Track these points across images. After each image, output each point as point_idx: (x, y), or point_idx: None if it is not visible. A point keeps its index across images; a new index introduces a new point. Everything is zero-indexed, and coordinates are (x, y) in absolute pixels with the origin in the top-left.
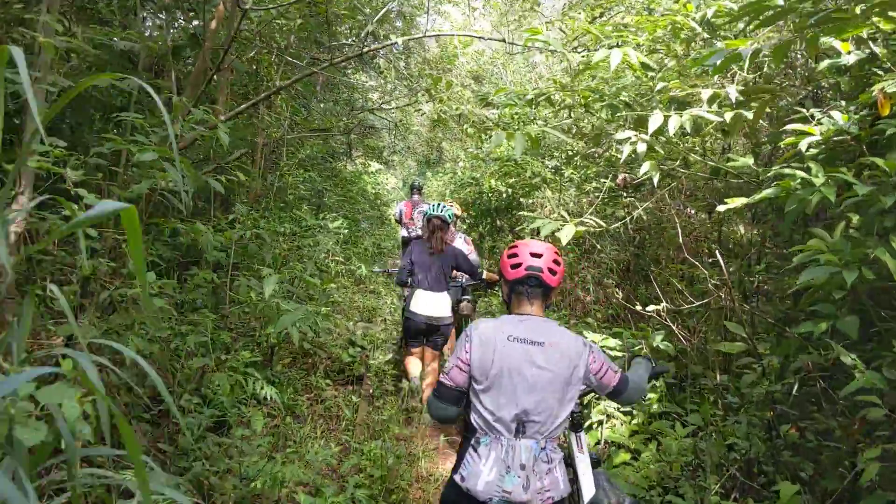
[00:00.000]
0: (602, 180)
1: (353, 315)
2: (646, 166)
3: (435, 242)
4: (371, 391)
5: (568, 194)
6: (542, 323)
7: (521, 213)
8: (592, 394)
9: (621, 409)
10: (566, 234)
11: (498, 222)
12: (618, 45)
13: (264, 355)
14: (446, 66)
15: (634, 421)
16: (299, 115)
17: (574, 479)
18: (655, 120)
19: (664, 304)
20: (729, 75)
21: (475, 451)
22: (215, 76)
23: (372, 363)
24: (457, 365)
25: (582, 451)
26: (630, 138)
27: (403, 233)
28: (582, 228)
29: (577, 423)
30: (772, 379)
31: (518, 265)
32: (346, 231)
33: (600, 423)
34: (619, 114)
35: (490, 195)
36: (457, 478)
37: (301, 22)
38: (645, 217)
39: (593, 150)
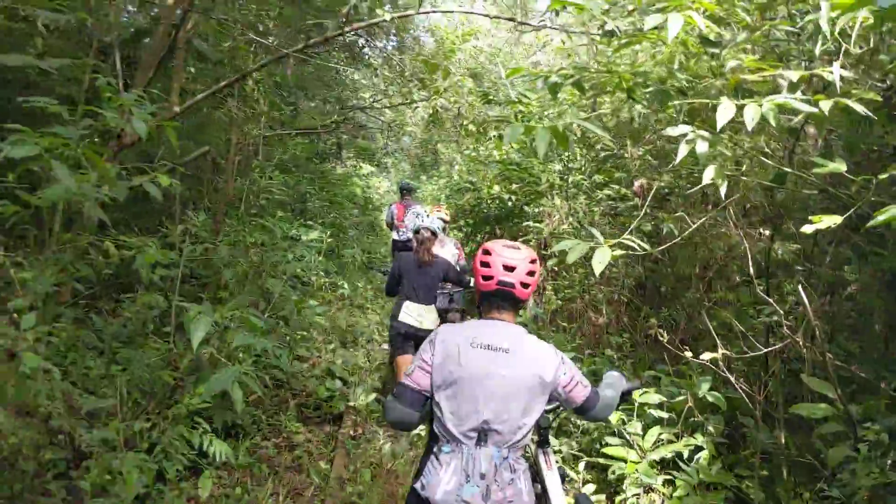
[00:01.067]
0: (615, 187)
1: (334, 338)
2: (709, 172)
3: (423, 254)
4: (352, 434)
5: (578, 202)
6: (510, 329)
7: (525, 223)
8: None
9: (662, 477)
10: (600, 260)
11: (498, 231)
12: (676, 9)
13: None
14: (442, 61)
15: (677, 493)
16: (281, 111)
17: (543, 496)
18: (726, 111)
19: (721, 351)
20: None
21: (437, 459)
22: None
23: (353, 402)
24: (419, 366)
25: (550, 467)
26: (687, 135)
27: (395, 236)
28: (619, 252)
29: (544, 438)
30: (877, 461)
31: (490, 277)
32: (323, 243)
33: (637, 497)
34: (673, 102)
35: (490, 202)
36: (417, 486)
37: (282, 7)
38: (676, 231)
39: (620, 150)
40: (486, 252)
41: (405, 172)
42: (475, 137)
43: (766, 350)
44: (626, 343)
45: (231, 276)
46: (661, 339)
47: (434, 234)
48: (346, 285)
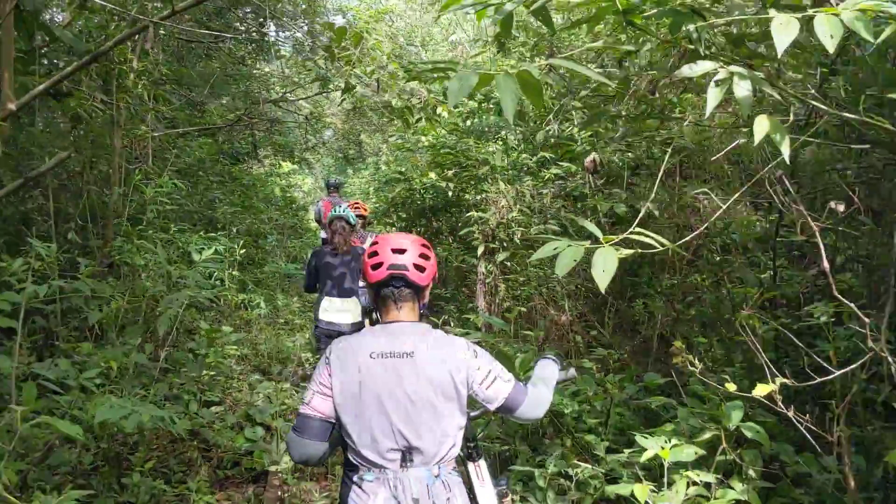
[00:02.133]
0: (564, 164)
1: (255, 366)
2: (762, 126)
3: (340, 242)
4: (280, 497)
5: (524, 185)
6: (411, 329)
7: (469, 213)
8: None
9: None
10: (606, 267)
11: (435, 224)
12: None
13: (110, 458)
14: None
15: None
16: (173, 107)
17: None
18: (786, 27)
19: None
20: None
21: (360, 489)
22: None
23: (278, 456)
24: (318, 391)
25: (483, 483)
26: (716, 72)
27: (324, 235)
28: (627, 252)
29: (474, 450)
30: None
31: (379, 265)
32: (229, 256)
33: None
34: (689, 27)
35: (423, 192)
36: None
37: None
38: (657, 212)
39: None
40: (374, 244)
41: (329, 167)
42: (404, 119)
43: (840, 371)
44: (599, 344)
45: (99, 317)
46: (692, 369)
47: (349, 223)
48: (262, 304)
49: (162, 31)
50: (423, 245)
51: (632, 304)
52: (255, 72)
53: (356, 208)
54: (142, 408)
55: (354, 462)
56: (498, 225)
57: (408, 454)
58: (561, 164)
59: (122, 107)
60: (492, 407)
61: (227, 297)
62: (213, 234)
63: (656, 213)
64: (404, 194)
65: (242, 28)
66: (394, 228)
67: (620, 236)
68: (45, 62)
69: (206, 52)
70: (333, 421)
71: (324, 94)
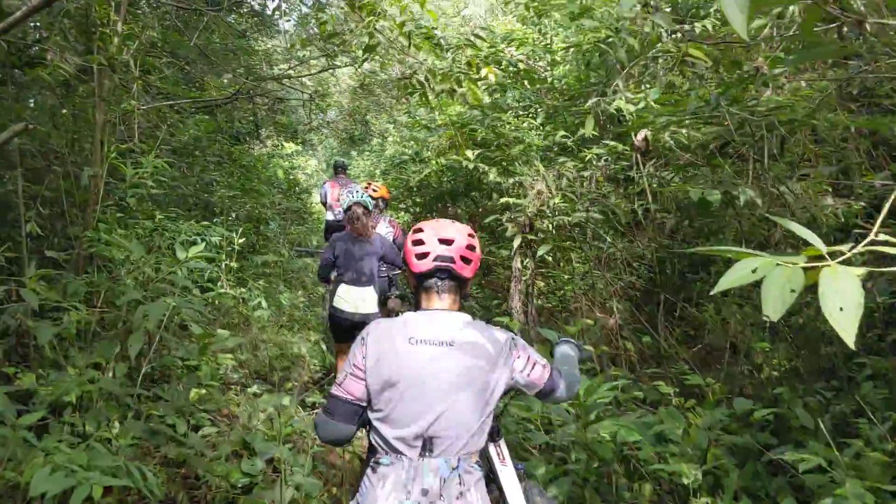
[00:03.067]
0: (609, 143)
1: (252, 374)
2: None
3: (360, 228)
4: None
5: (565, 167)
6: (453, 318)
7: (502, 200)
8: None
9: None
10: (842, 297)
11: (456, 211)
12: None
13: None
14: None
15: None
16: (164, 78)
17: (500, 498)
18: None
19: None
20: None
21: (373, 473)
22: None
23: (284, 497)
24: (351, 373)
25: (504, 462)
26: None
27: (329, 216)
28: (862, 271)
29: (495, 431)
30: None
31: (424, 255)
32: (226, 247)
33: None
34: None
35: (440, 174)
36: None
37: None
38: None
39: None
40: (418, 230)
41: (333, 149)
42: (422, 93)
43: None
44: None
45: (53, 333)
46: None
47: (366, 208)
48: (263, 303)
49: None
50: (470, 235)
51: (687, 304)
52: (257, 47)
53: (372, 190)
54: (96, 472)
55: (375, 444)
56: (536, 213)
57: (429, 443)
58: (607, 142)
59: (104, 75)
60: (531, 392)
61: (222, 296)
62: (207, 223)
63: (759, 202)
64: (419, 177)
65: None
66: (408, 215)
67: (859, 248)
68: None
69: (205, 24)
70: (364, 404)
71: (329, 72)
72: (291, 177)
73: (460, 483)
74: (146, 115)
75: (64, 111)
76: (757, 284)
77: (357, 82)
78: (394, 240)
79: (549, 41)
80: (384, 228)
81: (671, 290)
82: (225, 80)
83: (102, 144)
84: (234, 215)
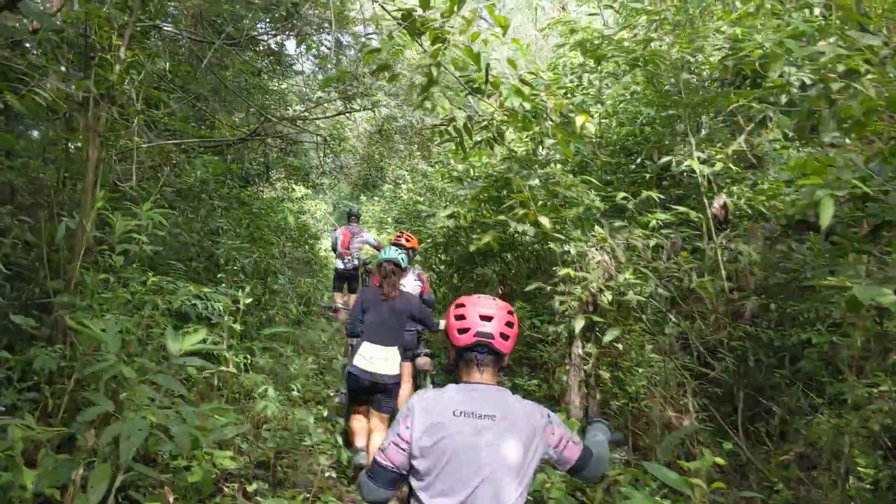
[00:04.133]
0: (677, 209)
1: (253, 465)
2: None
3: (387, 288)
4: None
5: (633, 235)
6: (494, 393)
7: (562, 271)
8: None
9: None
10: None
11: (481, 271)
12: None
13: None
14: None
15: None
16: (170, 111)
17: None
18: None
19: None
20: None
21: None
22: None
23: None
24: (395, 442)
25: None
26: None
27: (339, 265)
28: None
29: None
30: None
31: (465, 330)
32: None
33: None
34: None
35: (470, 232)
36: None
37: None
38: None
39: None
40: (460, 305)
41: (343, 193)
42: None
43: None
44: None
45: None
46: None
47: (399, 266)
48: (270, 391)
49: (167, 29)
50: (510, 313)
51: (776, 397)
52: (272, 86)
53: (399, 239)
54: None
55: None
56: (604, 288)
57: None
58: (673, 207)
59: (101, 107)
60: (562, 468)
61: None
62: (209, 280)
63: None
64: (445, 233)
65: (259, 35)
66: (432, 274)
67: None
68: None
69: (219, 60)
70: (404, 472)
71: (346, 115)
72: (301, 222)
73: None
74: (149, 153)
75: (55, 145)
76: None
77: (374, 127)
78: (421, 294)
79: (598, 91)
80: (412, 282)
81: (753, 385)
82: (237, 120)
83: (95, 186)
84: (240, 266)
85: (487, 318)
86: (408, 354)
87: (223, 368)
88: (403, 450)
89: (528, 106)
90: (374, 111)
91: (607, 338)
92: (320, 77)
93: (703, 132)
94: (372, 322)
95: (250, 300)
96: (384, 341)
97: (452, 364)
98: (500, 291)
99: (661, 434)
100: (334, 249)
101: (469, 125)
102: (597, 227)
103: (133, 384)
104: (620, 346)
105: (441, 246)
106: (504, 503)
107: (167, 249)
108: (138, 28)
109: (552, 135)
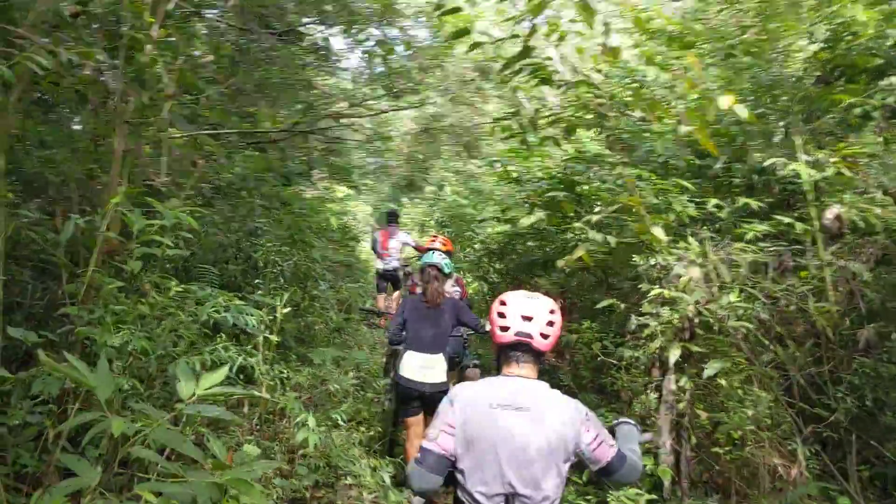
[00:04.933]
0: (781, 219)
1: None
2: None
3: (430, 295)
4: None
5: (735, 250)
6: (531, 386)
7: (654, 291)
8: None
9: None
10: None
11: (538, 282)
12: None
13: None
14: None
15: None
16: (222, 115)
17: None
18: None
19: None
20: None
21: None
22: None
23: None
24: (443, 430)
25: None
26: None
27: (379, 265)
28: None
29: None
30: None
31: (506, 329)
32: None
33: None
34: None
35: (529, 238)
36: None
37: None
38: None
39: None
40: (503, 302)
41: (384, 195)
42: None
43: None
44: None
45: None
46: None
47: (441, 271)
48: (311, 421)
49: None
50: (552, 311)
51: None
52: (318, 81)
53: (434, 242)
54: None
55: (461, 498)
56: (699, 313)
57: (511, 499)
58: (776, 216)
59: (129, 91)
60: (594, 468)
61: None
62: (242, 287)
63: None
64: (500, 239)
65: (305, 27)
66: (482, 283)
67: None
68: None
69: (265, 54)
70: (452, 458)
71: (392, 113)
72: (342, 223)
73: None
74: (186, 147)
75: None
76: None
77: (420, 126)
78: (460, 299)
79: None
80: (450, 287)
81: (870, 428)
82: (280, 116)
83: (121, 179)
84: (279, 271)
85: (528, 319)
86: (454, 363)
87: (255, 392)
88: (452, 435)
89: (663, 77)
90: (420, 108)
91: (709, 371)
92: (367, 74)
93: (803, 132)
94: (416, 330)
95: (288, 309)
96: (429, 349)
97: (495, 356)
98: (559, 305)
99: (769, 487)
100: (374, 250)
101: (535, 118)
102: (690, 239)
103: (129, 440)
104: (724, 382)
105: (495, 254)
106: (543, 493)
107: (202, 252)
108: (177, 12)
109: (681, 122)
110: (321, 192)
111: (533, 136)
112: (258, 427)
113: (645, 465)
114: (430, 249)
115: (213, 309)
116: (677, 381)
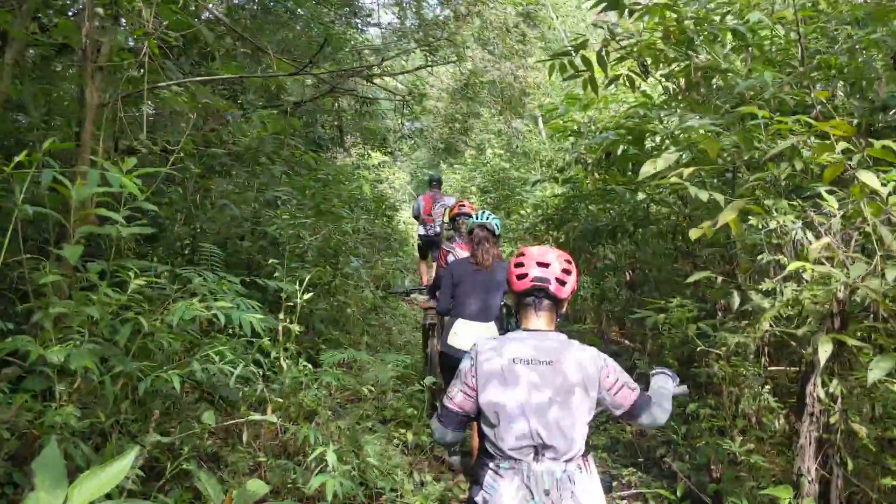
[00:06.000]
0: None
1: None
2: None
3: (481, 256)
4: None
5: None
6: (553, 338)
7: (791, 265)
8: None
9: None
10: None
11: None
12: None
13: None
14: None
15: None
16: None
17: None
18: None
19: None
20: None
21: (496, 474)
22: None
23: None
24: (462, 390)
25: (591, 475)
26: None
27: (421, 230)
28: None
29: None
30: None
31: (524, 276)
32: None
33: None
34: None
35: (589, 201)
36: (478, 499)
37: None
38: None
39: None
40: (521, 254)
41: (422, 161)
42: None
43: None
44: None
45: None
46: None
47: (492, 234)
48: (331, 459)
49: None
50: (567, 261)
51: None
52: (347, 37)
53: (462, 207)
54: None
55: (491, 451)
56: (851, 292)
57: (540, 450)
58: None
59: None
60: (617, 412)
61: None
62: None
63: None
64: (560, 204)
65: None
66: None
67: None
68: None
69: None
70: (472, 416)
71: (428, 70)
72: (378, 192)
73: (571, 482)
74: (184, 102)
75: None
76: None
77: (458, 82)
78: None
79: None
80: None
81: None
82: (308, 82)
83: (95, 141)
84: (303, 246)
85: (545, 265)
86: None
87: (257, 417)
88: (470, 396)
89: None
90: (458, 64)
91: (875, 374)
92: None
93: None
94: (466, 295)
95: (310, 294)
96: (481, 316)
97: (514, 310)
98: (628, 278)
99: None
100: (417, 217)
101: (608, 49)
102: (826, 195)
103: None
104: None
105: (553, 221)
106: (568, 441)
107: (209, 226)
108: None
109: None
110: (354, 159)
111: (600, 74)
112: (266, 458)
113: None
114: (458, 215)
115: (191, 309)
116: (825, 386)
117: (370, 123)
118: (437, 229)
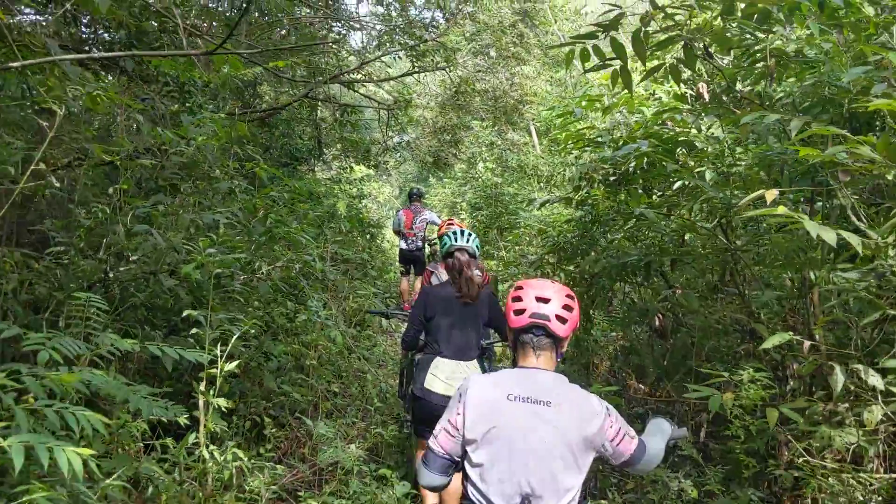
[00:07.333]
0: None
1: None
2: None
3: (465, 288)
4: None
5: None
6: (551, 378)
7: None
8: None
9: None
10: None
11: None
12: None
13: None
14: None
15: None
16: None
17: None
18: None
19: None
20: None
21: None
22: None
23: None
24: (445, 429)
25: None
26: None
27: (402, 245)
28: None
29: (584, 492)
30: None
31: (521, 311)
32: None
33: None
34: None
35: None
36: None
37: None
38: None
39: None
40: (519, 287)
41: (410, 175)
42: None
43: None
44: None
45: None
46: None
47: (473, 256)
48: None
49: None
50: (568, 296)
51: None
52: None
53: (450, 227)
54: None
55: (473, 499)
56: None
57: (528, 500)
58: None
59: None
60: (616, 461)
61: None
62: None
63: None
64: (574, 229)
65: None
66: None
67: None
68: None
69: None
70: (457, 459)
71: (415, 77)
72: (355, 211)
73: None
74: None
75: None
76: None
77: (449, 90)
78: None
79: None
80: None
81: None
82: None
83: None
84: (250, 281)
85: (544, 301)
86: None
87: None
88: (454, 436)
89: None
90: (449, 71)
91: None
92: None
93: None
94: (446, 330)
95: (234, 364)
96: (463, 354)
97: (511, 347)
98: (658, 323)
99: None
100: (397, 231)
101: (646, 32)
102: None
103: None
104: None
105: (565, 251)
106: (561, 490)
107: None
108: None
109: None
110: (335, 173)
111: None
112: None
113: None
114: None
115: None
116: None
117: (352, 134)
118: (419, 243)
